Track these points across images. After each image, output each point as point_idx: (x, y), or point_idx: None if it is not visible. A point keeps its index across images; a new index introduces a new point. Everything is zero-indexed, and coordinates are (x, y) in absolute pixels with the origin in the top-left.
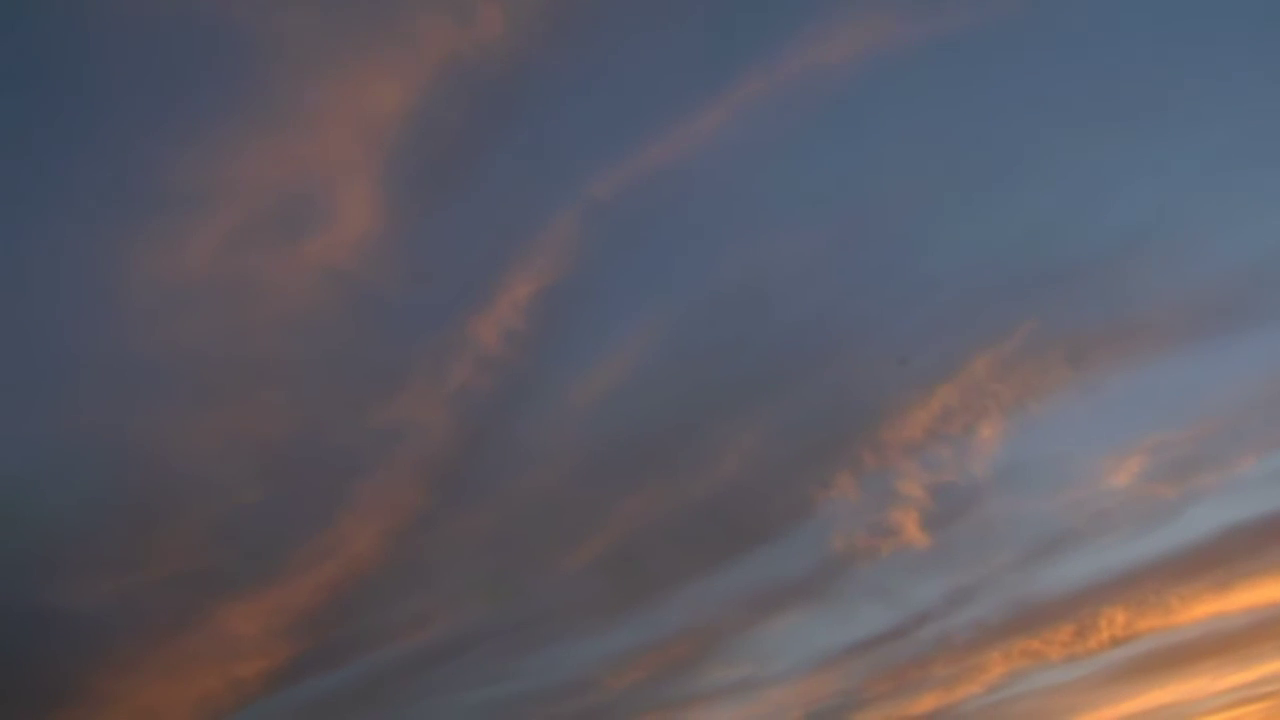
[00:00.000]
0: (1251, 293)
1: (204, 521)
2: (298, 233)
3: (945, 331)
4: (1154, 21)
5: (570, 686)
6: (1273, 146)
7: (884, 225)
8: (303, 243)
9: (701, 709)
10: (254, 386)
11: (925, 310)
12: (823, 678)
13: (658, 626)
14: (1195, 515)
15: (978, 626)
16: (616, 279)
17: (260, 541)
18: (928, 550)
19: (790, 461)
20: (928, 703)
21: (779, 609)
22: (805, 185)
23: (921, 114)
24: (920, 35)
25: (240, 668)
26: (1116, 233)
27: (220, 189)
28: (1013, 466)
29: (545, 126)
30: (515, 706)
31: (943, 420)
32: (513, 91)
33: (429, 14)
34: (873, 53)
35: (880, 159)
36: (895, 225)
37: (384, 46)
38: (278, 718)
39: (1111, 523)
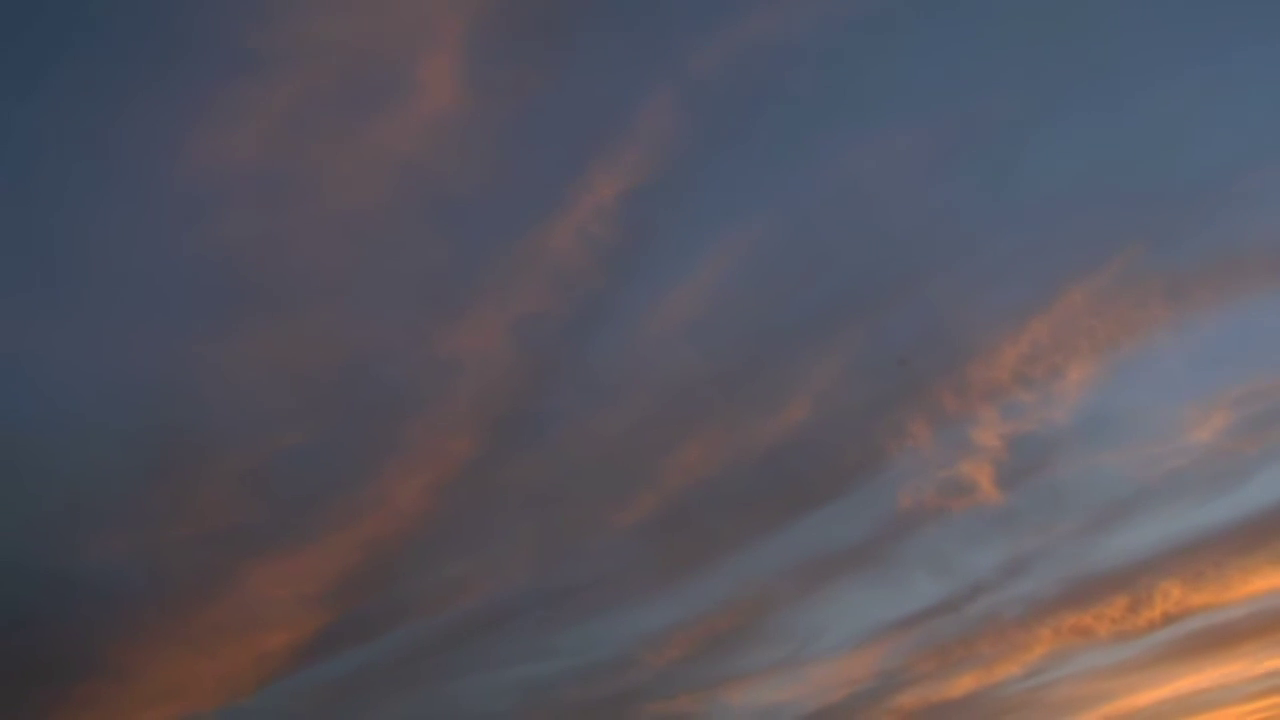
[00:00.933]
0: None
1: (237, 469)
2: (365, 111)
3: (1042, 256)
4: None
5: (608, 664)
6: None
7: (985, 137)
8: (369, 125)
9: (739, 690)
10: (300, 303)
11: (1023, 231)
12: (866, 656)
13: (702, 598)
14: (1270, 477)
15: (1028, 602)
16: (710, 178)
17: (297, 493)
18: (994, 511)
19: (865, 404)
20: (967, 683)
21: (830, 579)
22: (912, 82)
23: (1035, 23)
24: None
25: (267, 639)
26: (1224, 159)
27: (280, 52)
28: (1094, 416)
29: None
30: (551, 687)
31: (1031, 360)
32: None
33: None
34: None
35: (986, 67)
36: (996, 138)
37: None
38: (303, 697)
39: (1184, 483)
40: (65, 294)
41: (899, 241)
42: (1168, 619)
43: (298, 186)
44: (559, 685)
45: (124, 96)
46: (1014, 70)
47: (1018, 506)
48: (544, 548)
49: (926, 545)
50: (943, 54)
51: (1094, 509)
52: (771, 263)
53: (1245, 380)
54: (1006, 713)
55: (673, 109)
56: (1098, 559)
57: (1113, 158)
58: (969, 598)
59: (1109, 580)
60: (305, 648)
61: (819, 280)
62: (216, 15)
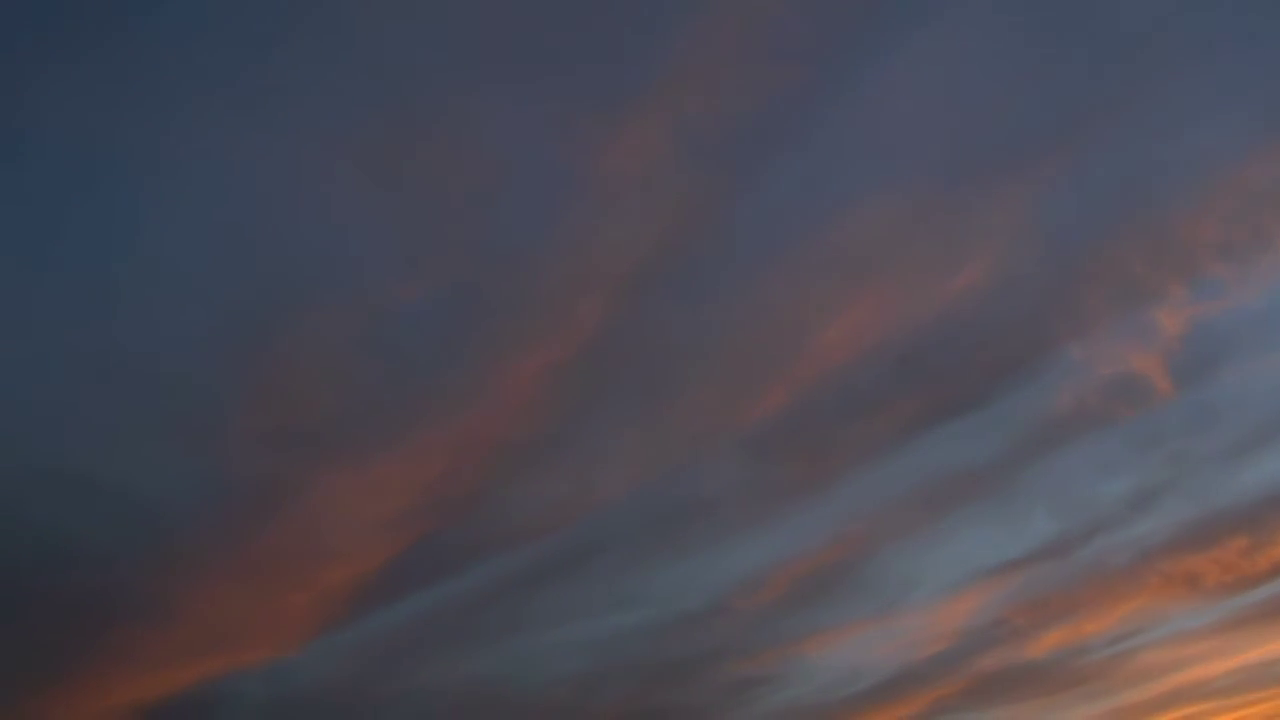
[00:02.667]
0: None
1: (325, 339)
2: None
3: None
4: None
5: (695, 615)
6: None
7: None
8: None
9: (823, 646)
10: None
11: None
12: (959, 608)
13: (806, 532)
14: None
15: (1142, 544)
16: None
17: (389, 375)
18: (1141, 429)
19: (1045, 270)
20: (1053, 640)
21: (944, 511)
22: None
23: None
24: None
25: (327, 574)
26: None
27: None
28: None
29: None
30: (626, 644)
31: (1237, 219)
32: None
33: None
34: None
35: None
36: None
37: None
38: (355, 652)
39: None
40: None
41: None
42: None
43: None
44: (635, 642)
45: None
46: None
47: (1168, 421)
48: (652, 461)
49: (1056, 472)
50: None
51: (1251, 426)
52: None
53: None
54: (1079, 683)
55: None
56: (1232, 490)
57: None
58: (1084, 539)
59: (1234, 517)
60: (367, 586)
61: (1034, 82)
62: None
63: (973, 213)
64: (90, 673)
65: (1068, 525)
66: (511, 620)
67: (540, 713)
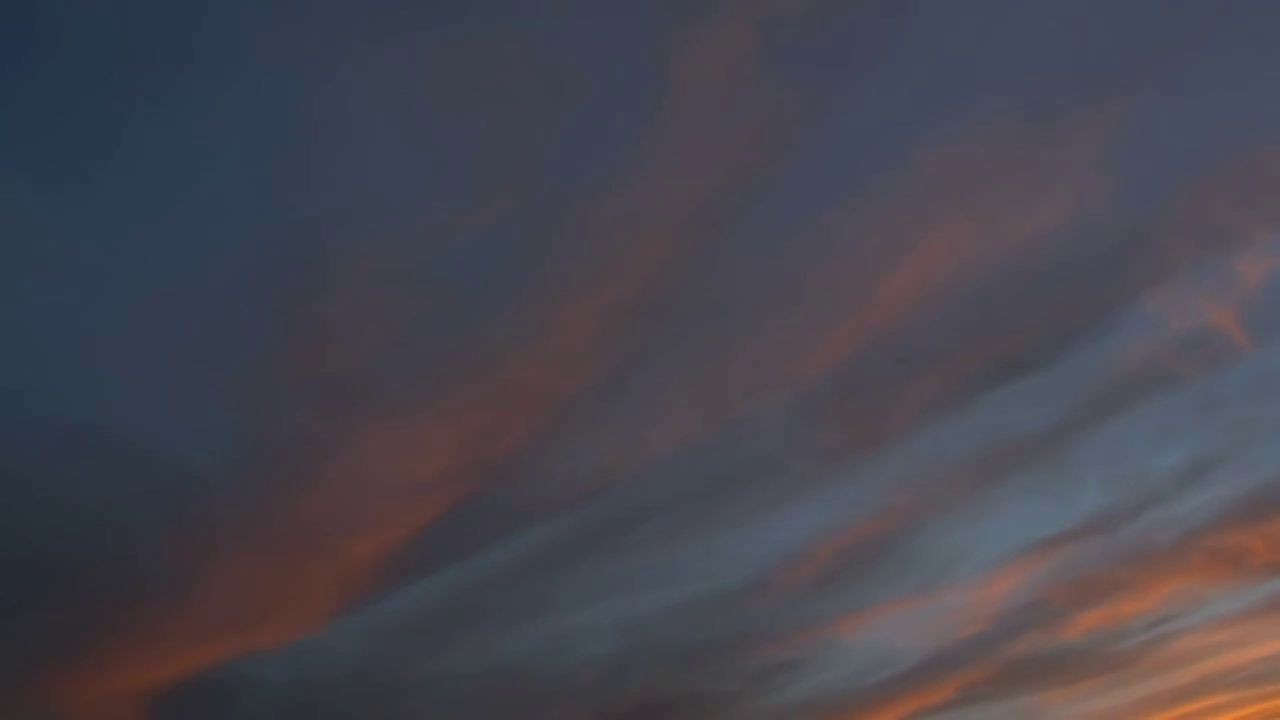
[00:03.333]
0: None
1: (372, 281)
2: None
3: None
4: None
5: (732, 592)
6: None
7: None
8: None
9: (860, 626)
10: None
11: None
12: (1000, 586)
13: (852, 501)
14: None
15: (1190, 520)
16: None
17: (437, 322)
18: (1201, 395)
19: (1125, 208)
20: (1091, 621)
21: (995, 480)
22: None
23: None
24: None
25: (356, 545)
26: None
27: None
28: None
29: None
30: (661, 623)
31: None
32: None
33: None
34: None
35: None
36: None
37: None
38: (378, 633)
39: None
40: None
41: None
42: None
43: None
44: (668, 623)
45: None
46: None
47: (1236, 384)
48: (704, 418)
49: (1112, 440)
50: None
51: None
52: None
53: None
54: (1110, 670)
55: None
56: None
57: None
58: (1133, 514)
59: None
60: (395, 559)
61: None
62: None
63: (1051, 150)
64: (102, 653)
65: (1118, 498)
66: (544, 599)
67: (566, 700)
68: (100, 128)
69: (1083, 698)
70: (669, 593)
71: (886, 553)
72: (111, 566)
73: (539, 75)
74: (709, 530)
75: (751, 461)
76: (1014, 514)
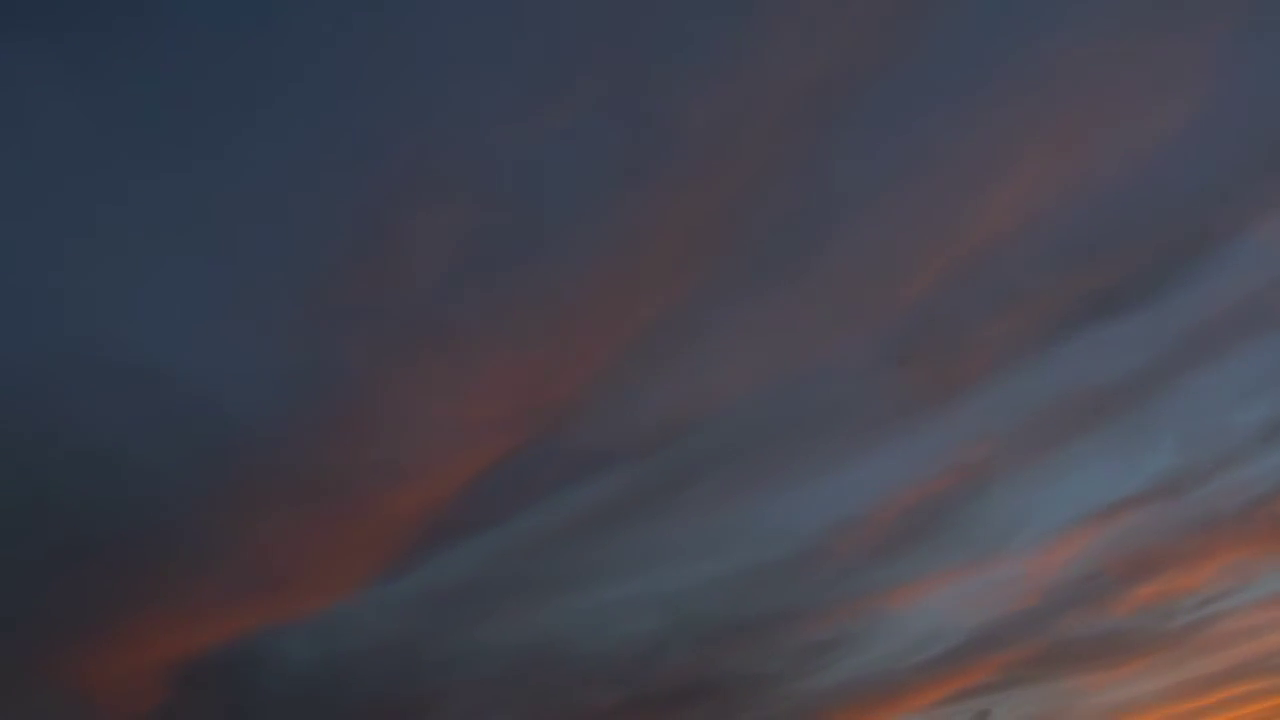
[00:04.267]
0: None
1: (431, 180)
2: None
3: None
4: None
5: (782, 561)
6: None
7: None
8: None
9: (907, 599)
10: None
11: None
12: (1057, 555)
13: (919, 457)
14: None
15: (1266, 482)
16: None
17: (507, 230)
18: None
19: (1245, 123)
20: (1142, 597)
21: (1069, 436)
22: None
23: None
24: None
25: (402, 496)
26: None
27: None
28: None
29: None
30: (702, 597)
31: None
32: None
33: None
34: None
35: None
36: None
37: None
38: (408, 603)
39: None
40: None
41: None
42: None
43: None
44: (712, 597)
45: None
46: None
47: None
48: (779, 356)
49: (1194, 392)
50: None
51: None
52: None
53: None
54: (1155, 651)
55: None
56: None
57: None
58: (1203, 478)
59: None
60: (437, 518)
61: None
62: None
63: (1165, 55)
64: (121, 624)
65: (1190, 459)
66: (588, 568)
67: (600, 681)
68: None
69: (1124, 681)
70: (717, 564)
71: (945, 517)
72: (133, 524)
73: None
74: (767, 491)
75: (821, 409)
76: (1081, 475)
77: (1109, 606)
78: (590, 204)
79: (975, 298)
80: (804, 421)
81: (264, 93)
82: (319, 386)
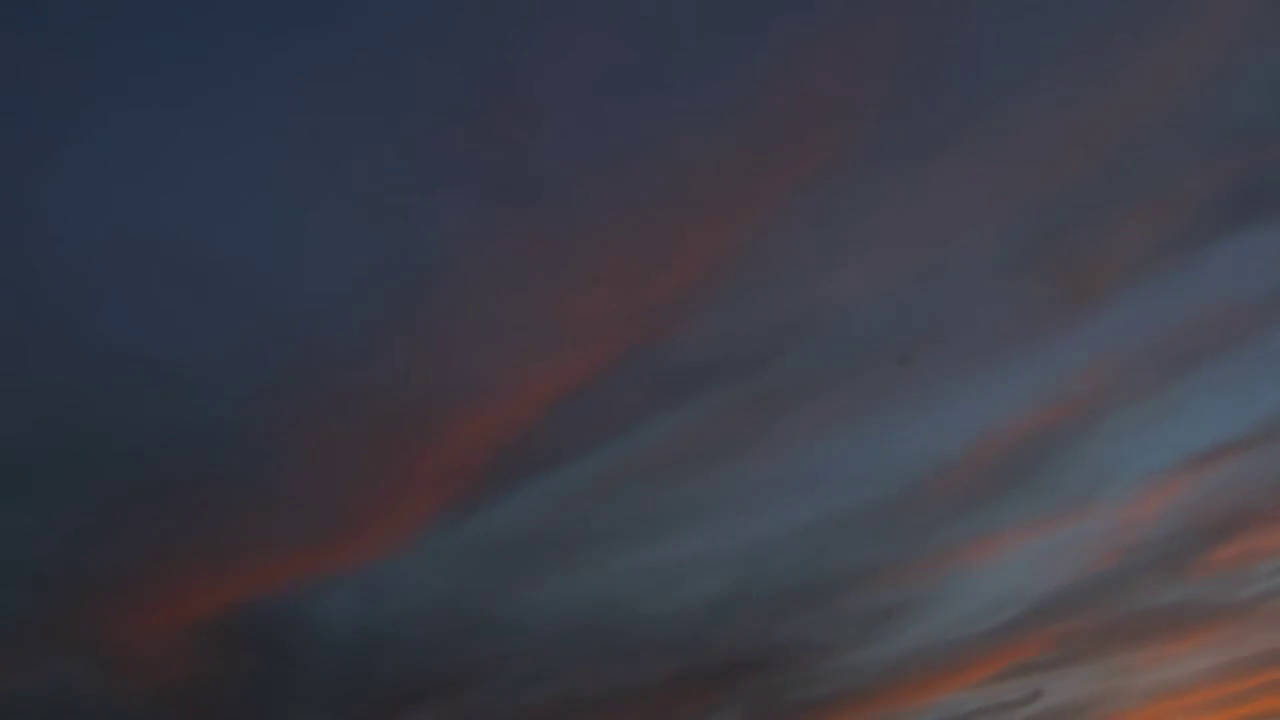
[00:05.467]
0: None
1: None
2: None
3: None
4: None
5: (868, 507)
6: None
7: None
8: None
9: (981, 556)
10: None
11: None
12: (1146, 508)
13: (1025, 386)
14: None
15: None
16: None
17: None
18: None
19: None
20: (1223, 557)
21: (1185, 367)
22: None
23: None
24: None
25: (463, 427)
26: None
27: None
28: None
29: None
30: (771, 554)
31: None
32: None
33: None
34: None
35: None
36: None
37: None
38: (470, 547)
39: None
40: None
41: None
42: None
43: None
44: (781, 554)
45: None
46: None
47: None
48: (899, 254)
49: None
50: None
51: None
52: None
53: None
54: (1227, 620)
55: None
56: None
57: None
58: None
59: None
60: (513, 445)
61: None
62: None
63: None
64: (155, 579)
65: None
66: (661, 516)
67: (655, 651)
68: None
69: (1181, 658)
70: (795, 513)
71: (1039, 461)
72: (189, 462)
73: None
74: (862, 422)
75: (935, 320)
76: (1190, 413)
77: (1184, 571)
78: (720, 59)
79: (1114, 193)
80: (915, 334)
81: None
82: (398, 274)
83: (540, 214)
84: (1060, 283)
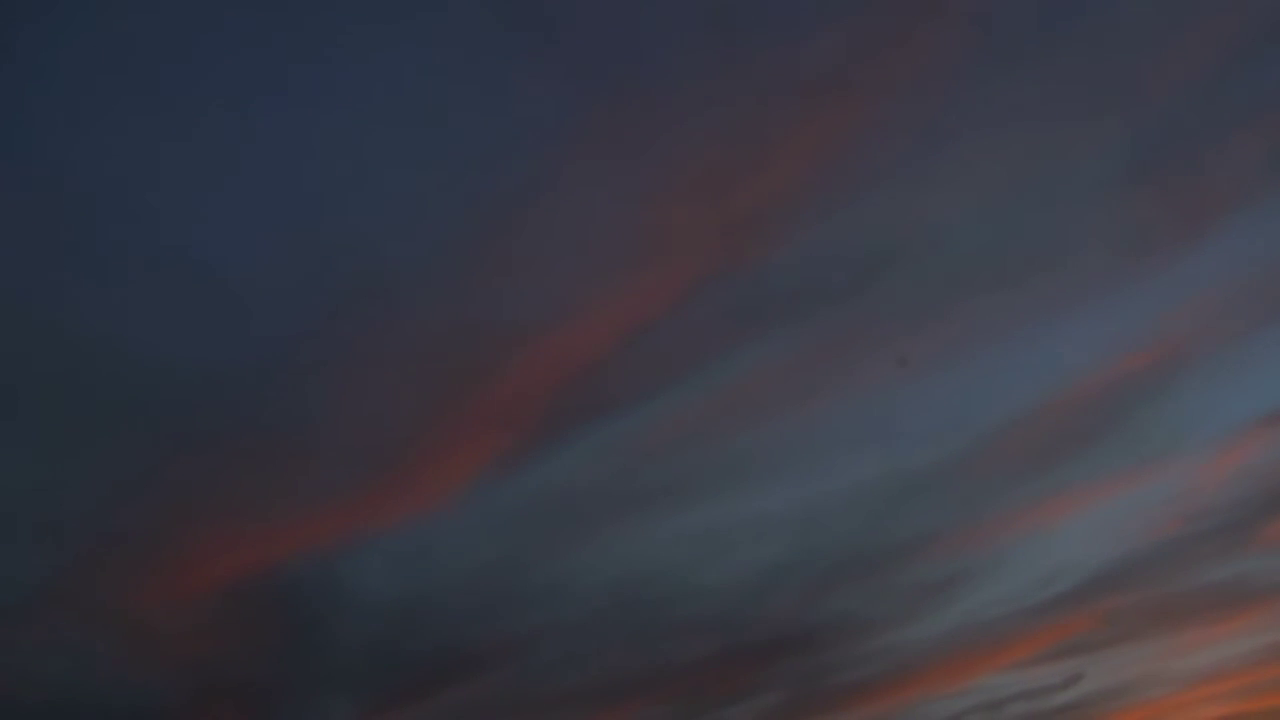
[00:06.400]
0: None
1: None
2: None
3: None
4: None
5: (938, 463)
6: None
7: None
8: None
9: (1049, 517)
10: None
11: None
12: (1219, 468)
13: (1122, 323)
14: None
15: None
16: None
17: None
18: None
19: None
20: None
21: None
22: None
23: None
24: None
25: (530, 355)
26: None
27: None
28: None
29: None
30: (830, 518)
31: None
32: None
33: None
34: None
35: None
36: None
37: None
38: (519, 503)
39: None
40: None
41: None
42: None
43: None
44: (847, 513)
45: None
46: None
47: None
48: (1010, 168)
49: None
50: None
51: None
52: None
53: None
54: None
55: None
56: None
57: None
58: None
59: None
60: (576, 385)
61: None
62: None
63: None
64: (189, 536)
65: None
66: (724, 470)
67: (698, 627)
68: None
69: (1225, 640)
70: (862, 470)
71: (1117, 412)
72: (239, 405)
73: None
74: (942, 365)
75: (1034, 245)
76: (1271, 366)
77: (1245, 542)
78: None
79: (1237, 102)
80: (1011, 262)
81: None
82: (469, 201)
83: (621, 113)
84: (1166, 208)
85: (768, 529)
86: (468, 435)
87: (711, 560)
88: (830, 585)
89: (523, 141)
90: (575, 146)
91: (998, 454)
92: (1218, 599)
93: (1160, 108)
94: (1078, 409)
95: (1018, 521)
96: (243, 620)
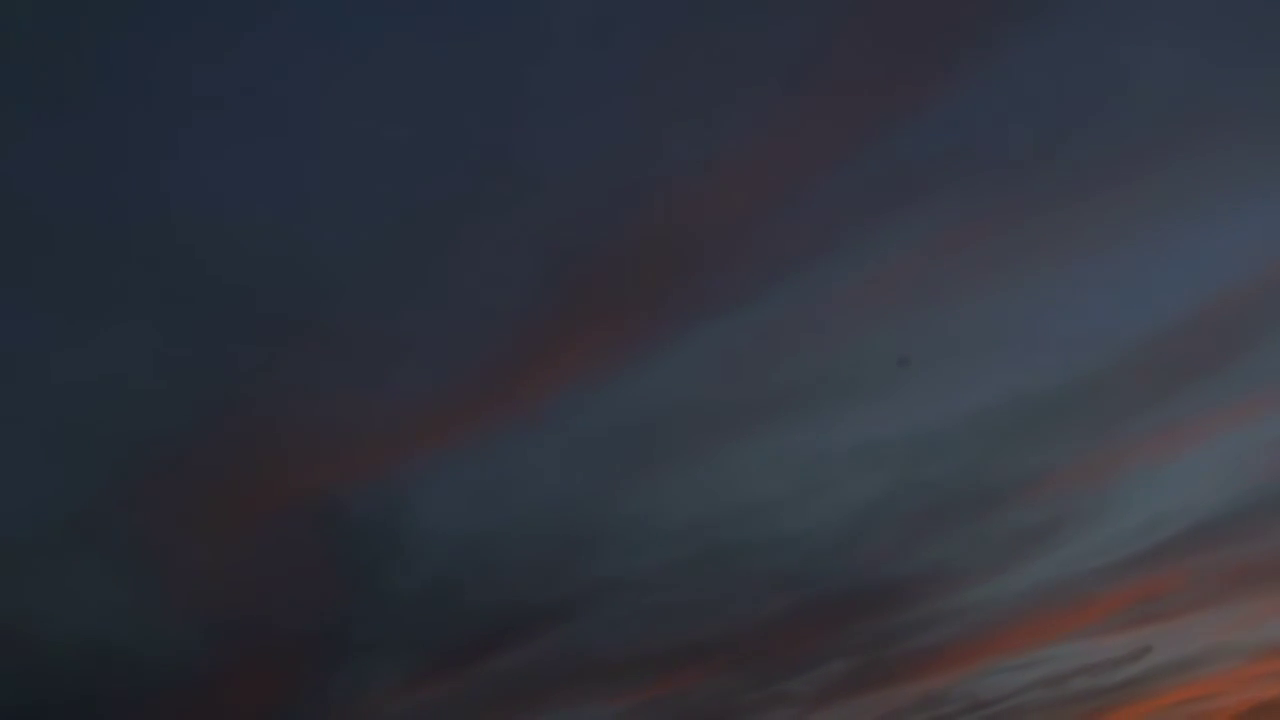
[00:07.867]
0: None
1: None
2: None
3: None
4: None
5: (1060, 389)
6: None
7: None
8: None
9: (1167, 450)
10: None
11: None
12: None
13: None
14: None
15: None
16: None
17: None
18: None
19: None
20: None
21: None
22: None
23: None
24: None
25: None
26: None
27: None
28: None
29: None
30: (953, 444)
31: None
32: None
33: None
34: None
35: None
36: None
37: None
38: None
39: None
40: None
41: None
42: None
43: None
44: (958, 447)
45: None
46: None
47: None
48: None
49: None
50: None
51: None
52: None
53: None
54: None
55: None
56: None
57: None
58: None
59: None
60: (708, 263)
61: None
62: None
63: None
64: (224, 444)
65: None
66: (823, 389)
67: (777, 579)
68: None
69: None
70: (981, 393)
71: (1257, 331)
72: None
73: None
74: (1087, 267)
75: (1220, 117)
76: None
77: None
78: None
79: None
80: (1193, 146)
81: None
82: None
83: None
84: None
85: (872, 460)
86: (569, 332)
87: (803, 499)
88: (925, 531)
89: None
90: None
91: (1124, 375)
92: None
93: None
94: (1215, 325)
95: (1132, 454)
96: (294, 557)
